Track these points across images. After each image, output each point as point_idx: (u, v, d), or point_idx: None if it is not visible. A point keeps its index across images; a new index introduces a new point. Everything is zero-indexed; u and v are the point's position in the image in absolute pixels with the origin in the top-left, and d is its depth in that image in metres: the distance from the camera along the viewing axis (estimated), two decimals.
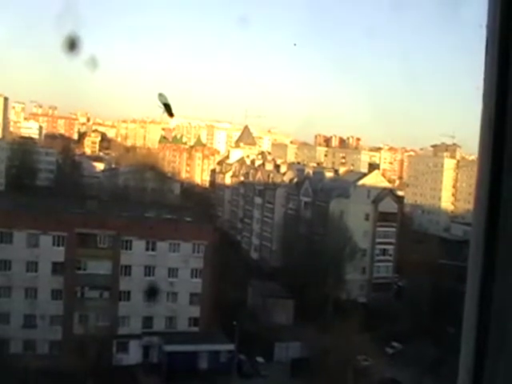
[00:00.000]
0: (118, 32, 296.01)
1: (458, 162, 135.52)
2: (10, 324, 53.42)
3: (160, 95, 14.99)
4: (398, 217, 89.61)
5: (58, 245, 56.12)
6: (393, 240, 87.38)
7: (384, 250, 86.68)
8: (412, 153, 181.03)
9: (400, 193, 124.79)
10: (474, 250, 2.21)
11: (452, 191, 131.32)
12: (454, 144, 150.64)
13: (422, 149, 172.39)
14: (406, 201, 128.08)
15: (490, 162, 2.17)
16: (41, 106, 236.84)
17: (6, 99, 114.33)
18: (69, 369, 45.59)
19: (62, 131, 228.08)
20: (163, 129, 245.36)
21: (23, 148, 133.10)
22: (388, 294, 79.85)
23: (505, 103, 2.15)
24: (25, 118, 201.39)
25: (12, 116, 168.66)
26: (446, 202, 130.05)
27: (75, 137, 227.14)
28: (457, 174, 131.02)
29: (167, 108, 14.99)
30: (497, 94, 2.17)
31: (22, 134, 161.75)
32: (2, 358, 46.74)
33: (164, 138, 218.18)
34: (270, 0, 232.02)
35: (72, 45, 16.52)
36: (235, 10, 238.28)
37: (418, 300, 67.37)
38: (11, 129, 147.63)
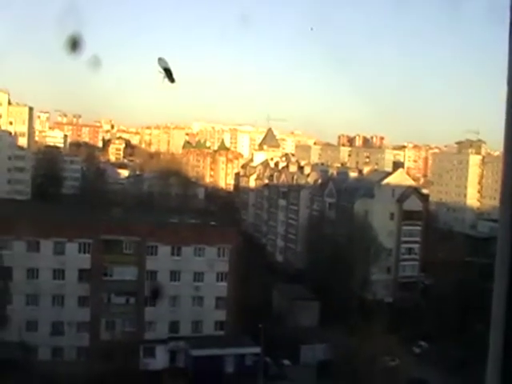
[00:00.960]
0: (141, 42, 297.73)
1: (484, 157, 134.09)
2: (38, 331, 54.04)
3: (160, 59, 14.94)
4: (423, 215, 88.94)
5: (84, 252, 56.63)
6: (418, 239, 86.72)
7: (409, 248, 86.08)
8: (436, 150, 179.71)
9: (425, 191, 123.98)
10: (501, 247, 2.18)
11: (478, 188, 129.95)
12: (479, 140, 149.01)
13: (446, 146, 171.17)
14: (431, 199, 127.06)
15: None
16: (65, 115, 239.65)
17: (30, 109, 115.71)
18: (96, 374, 46.06)
19: (87, 139, 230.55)
20: (187, 134, 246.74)
21: (48, 157, 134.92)
22: (414, 293, 79.19)
23: None
24: (50, 127, 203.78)
25: (37, 125, 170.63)
26: (472, 199, 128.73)
27: (100, 144, 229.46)
28: (482, 170, 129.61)
29: (167, 73, 14.95)
30: None
31: (48, 143, 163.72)
32: (30, 364, 47.35)
33: (188, 143, 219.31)
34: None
35: (74, 44, 16.72)
36: (257, 12, 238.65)
37: (444, 298, 66.70)
38: (36, 138, 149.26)
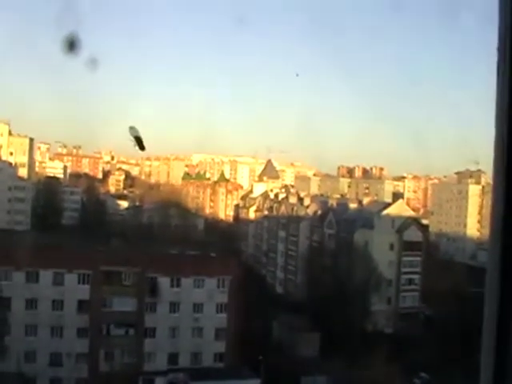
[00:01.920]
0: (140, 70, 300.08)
1: (483, 187, 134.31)
2: (37, 362, 53.84)
3: (131, 128, 15.27)
4: (423, 245, 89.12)
5: (84, 283, 56.72)
6: (418, 269, 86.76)
7: (410, 279, 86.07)
8: (436, 181, 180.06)
9: (425, 221, 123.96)
10: (490, 278, 2.22)
11: (477, 217, 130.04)
12: (479, 170, 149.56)
13: (445, 176, 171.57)
14: (431, 229, 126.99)
15: (504, 186, 2.26)
16: (65, 146, 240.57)
17: (31, 140, 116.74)
18: None
19: (87, 170, 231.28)
20: (186, 165, 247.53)
21: (48, 188, 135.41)
22: (415, 324, 78.89)
23: None
24: (50, 158, 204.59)
25: (37, 156, 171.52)
26: (472, 229, 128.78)
27: (99, 175, 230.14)
28: (482, 199, 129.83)
29: (138, 141, 15.29)
30: (509, 117, 2.24)
31: (48, 174, 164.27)
32: None
33: (187, 174, 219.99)
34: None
35: (72, 44, 17.14)
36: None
37: (445, 329, 66.55)
38: (37, 169, 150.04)
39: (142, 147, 15.60)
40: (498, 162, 2.31)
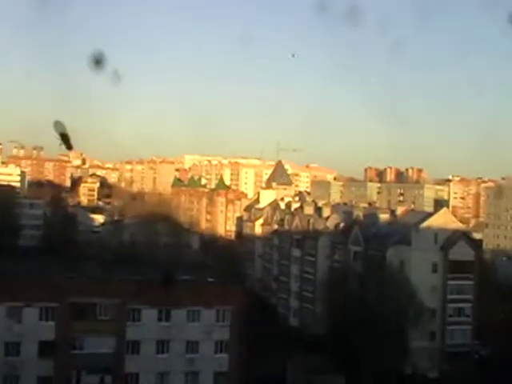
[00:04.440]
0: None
1: None
2: None
3: (56, 124, 15.20)
4: (475, 266, 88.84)
5: (47, 319, 56.54)
6: (470, 296, 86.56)
7: (459, 309, 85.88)
8: (491, 183, 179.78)
9: (477, 235, 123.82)
10: None
11: None
12: None
13: (504, 178, 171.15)
14: (485, 245, 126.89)
15: None
16: (23, 147, 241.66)
17: None
18: None
19: (51, 177, 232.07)
20: (177, 169, 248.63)
21: (1, 199, 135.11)
22: (467, 366, 78.70)
23: None
24: (2, 163, 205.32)
25: None
26: None
27: (68, 183, 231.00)
28: None
29: (64, 139, 15.21)
30: None
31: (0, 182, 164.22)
32: None
33: (178, 180, 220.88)
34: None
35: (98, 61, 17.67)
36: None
37: (506, 373, 66.33)
38: None
39: (68, 146, 15.51)
40: None
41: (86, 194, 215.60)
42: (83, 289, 56.87)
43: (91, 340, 57.09)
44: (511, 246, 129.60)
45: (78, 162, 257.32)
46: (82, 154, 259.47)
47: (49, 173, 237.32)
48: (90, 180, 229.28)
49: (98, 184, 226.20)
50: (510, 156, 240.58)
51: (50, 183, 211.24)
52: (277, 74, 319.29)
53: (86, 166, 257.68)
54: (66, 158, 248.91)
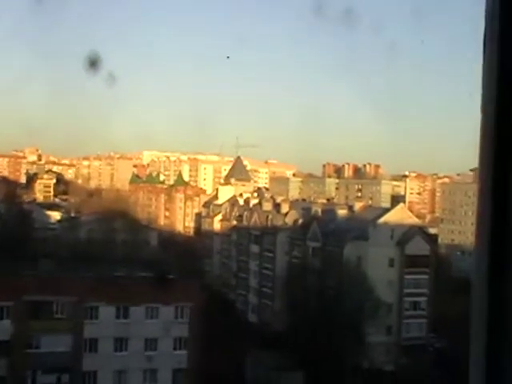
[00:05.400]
0: None
1: None
2: None
3: None
4: (431, 261, 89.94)
5: (2, 318, 56.17)
6: (426, 290, 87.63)
7: (415, 303, 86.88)
8: (446, 180, 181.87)
9: (433, 230, 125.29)
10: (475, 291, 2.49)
11: None
12: None
13: (459, 174, 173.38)
14: (440, 240, 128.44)
15: (490, 188, 2.42)
16: None
17: None
18: None
19: (5, 173, 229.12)
20: (135, 166, 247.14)
21: None
22: (422, 360, 79.50)
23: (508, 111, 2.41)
24: None
25: None
26: None
27: (23, 180, 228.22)
28: None
29: None
30: (497, 101, 2.42)
31: None
32: None
33: (136, 176, 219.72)
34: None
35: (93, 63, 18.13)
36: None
37: (460, 365, 67.00)
38: None
39: None
40: (483, 160, 2.48)
41: (42, 190, 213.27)
42: (39, 287, 56.45)
43: (48, 339, 56.70)
44: (465, 241, 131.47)
45: (33, 158, 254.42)
46: (37, 150, 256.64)
47: (3, 169, 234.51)
48: (45, 176, 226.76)
49: (54, 180, 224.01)
50: (465, 152, 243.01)
51: (4, 179, 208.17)
52: (232, 68, 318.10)
53: (42, 162, 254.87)
54: (20, 154, 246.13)
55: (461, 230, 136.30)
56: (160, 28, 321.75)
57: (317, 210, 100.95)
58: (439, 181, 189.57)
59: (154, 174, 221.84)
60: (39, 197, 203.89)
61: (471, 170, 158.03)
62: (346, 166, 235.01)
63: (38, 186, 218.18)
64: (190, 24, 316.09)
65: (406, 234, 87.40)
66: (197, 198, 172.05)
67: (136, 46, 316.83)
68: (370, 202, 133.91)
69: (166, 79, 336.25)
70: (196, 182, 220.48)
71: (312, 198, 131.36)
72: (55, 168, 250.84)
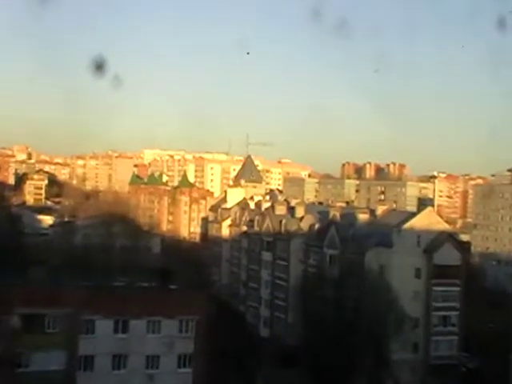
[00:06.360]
0: None
1: None
2: None
3: None
4: (462, 271, 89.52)
5: None
6: (457, 304, 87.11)
7: (445, 317, 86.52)
8: (480, 181, 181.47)
9: (464, 237, 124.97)
10: None
11: None
12: None
13: (494, 175, 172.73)
14: (473, 248, 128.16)
15: None
16: None
17: None
18: None
19: None
20: (136, 165, 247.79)
21: None
22: (453, 381, 79.49)
23: None
24: None
25: None
26: None
27: (11, 180, 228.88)
28: None
29: None
30: None
31: None
32: None
33: (137, 177, 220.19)
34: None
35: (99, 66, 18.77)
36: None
37: None
38: None
39: None
40: None
41: (33, 192, 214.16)
42: (29, 298, 56.43)
43: (39, 356, 56.53)
44: (501, 249, 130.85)
45: (22, 157, 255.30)
46: (27, 148, 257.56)
47: None
48: (36, 177, 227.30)
49: (45, 181, 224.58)
50: (501, 152, 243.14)
51: None
52: (245, 66, 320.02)
53: (33, 161, 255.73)
54: (9, 152, 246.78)
55: (496, 236, 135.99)
56: (167, 25, 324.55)
57: (335, 214, 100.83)
58: (472, 182, 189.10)
59: (157, 175, 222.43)
60: (29, 199, 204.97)
61: (509, 171, 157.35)
62: (368, 166, 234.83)
63: (28, 187, 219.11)
64: (197, 21, 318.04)
65: (435, 241, 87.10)
66: (203, 201, 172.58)
67: (140, 40, 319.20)
68: (394, 205, 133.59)
69: (170, 74, 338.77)
70: (202, 183, 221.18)
71: (330, 201, 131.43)
72: (47, 167, 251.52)
